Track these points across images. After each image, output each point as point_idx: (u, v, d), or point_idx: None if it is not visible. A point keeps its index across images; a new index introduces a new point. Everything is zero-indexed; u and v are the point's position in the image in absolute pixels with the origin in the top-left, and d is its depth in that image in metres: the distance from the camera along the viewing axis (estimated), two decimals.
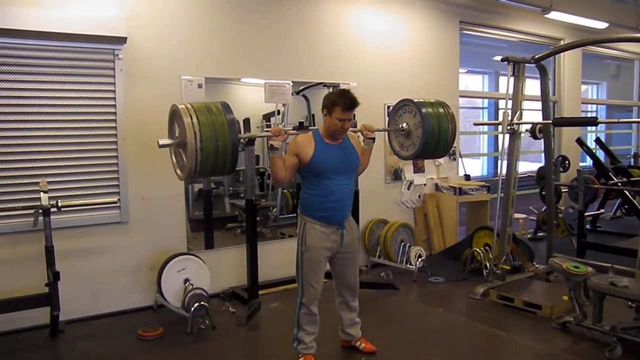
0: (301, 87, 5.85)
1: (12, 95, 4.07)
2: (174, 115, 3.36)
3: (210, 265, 4.75)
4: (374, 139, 3.65)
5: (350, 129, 3.50)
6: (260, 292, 4.80)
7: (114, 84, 4.42)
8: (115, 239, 4.55)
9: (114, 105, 4.44)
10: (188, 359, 3.76)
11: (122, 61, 4.41)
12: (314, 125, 6.00)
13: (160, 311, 4.60)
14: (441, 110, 4.07)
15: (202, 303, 4.17)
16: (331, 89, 5.73)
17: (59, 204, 4.00)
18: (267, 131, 3.73)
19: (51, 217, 3.95)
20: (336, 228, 3.43)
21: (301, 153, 3.34)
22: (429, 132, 3.94)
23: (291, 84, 5.37)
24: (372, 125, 3.65)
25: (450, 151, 6.70)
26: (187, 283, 4.46)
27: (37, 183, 4.02)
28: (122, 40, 4.33)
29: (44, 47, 4.13)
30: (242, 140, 3.56)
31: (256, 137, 3.95)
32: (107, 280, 4.53)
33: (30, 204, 3.99)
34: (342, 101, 3.29)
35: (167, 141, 3.39)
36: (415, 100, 4.05)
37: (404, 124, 4.12)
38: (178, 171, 3.47)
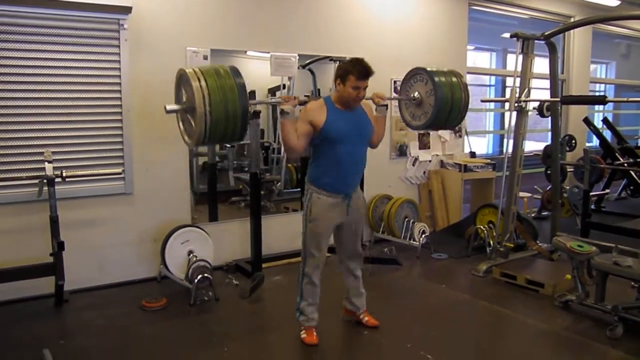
0: (307, 61, 5.79)
1: (15, 64, 4.04)
2: (181, 80, 3.28)
3: (214, 237, 4.77)
4: (386, 106, 3.61)
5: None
6: (263, 265, 4.81)
7: (119, 54, 4.38)
8: (119, 210, 4.56)
9: (119, 76, 4.41)
10: (191, 330, 3.78)
11: (127, 31, 4.37)
12: None
13: (164, 282, 4.62)
14: (454, 79, 3.99)
15: (205, 275, 4.19)
16: (337, 63, 5.70)
17: (64, 174, 3.99)
18: (276, 98, 3.65)
19: (56, 187, 3.95)
20: (342, 198, 3.41)
21: (314, 119, 3.27)
22: (441, 101, 3.86)
23: (297, 57, 5.32)
24: (384, 94, 3.62)
25: (458, 126, 6.70)
26: (191, 255, 4.48)
27: (42, 153, 4.01)
28: (127, 9, 4.27)
29: (48, 15, 4.08)
30: (251, 106, 3.47)
31: (266, 103, 3.79)
32: (111, 250, 4.55)
33: (35, 174, 3.98)
34: (356, 69, 3.24)
35: (175, 106, 3.31)
36: (428, 69, 3.98)
37: (416, 93, 4.05)
38: (186, 138, 3.40)
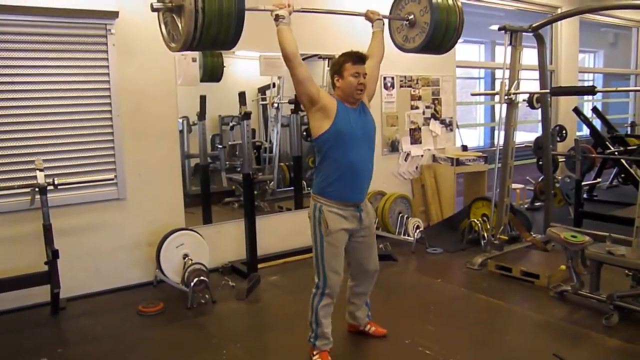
0: None
1: (3, 73, 4.01)
2: None
3: (209, 240, 4.75)
4: (382, 20, 3.60)
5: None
6: (259, 266, 4.83)
7: (107, 59, 4.36)
8: (113, 216, 4.54)
9: (108, 81, 4.39)
10: (189, 334, 3.78)
11: (114, 36, 4.35)
12: None
13: (160, 287, 4.62)
14: (450, 1, 3.73)
15: (201, 278, 4.18)
16: (327, 61, 5.70)
17: (56, 182, 3.96)
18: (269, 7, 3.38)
19: (48, 195, 3.93)
20: (354, 210, 3.18)
21: (326, 101, 3.05)
22: (437, 17, 3.62)
23: None
24: (377, 11, 3.60)
25: (447, 120, 6.72)
26: (186, 258, 4.47)
27: (33, 161, 3.98)
28: (113, 14, 4.26)
29: (34, 22, 4.06)
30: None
31: (258, 10, 3.43)
32: (106, 257, 4.53)
33: (27, 183, 3.95)
34: (349, 56, 3.14)
35: (160, 4, 2.98)
36: None
37: (410, 15, 3.86)
38: (172, 44, 3.07)
